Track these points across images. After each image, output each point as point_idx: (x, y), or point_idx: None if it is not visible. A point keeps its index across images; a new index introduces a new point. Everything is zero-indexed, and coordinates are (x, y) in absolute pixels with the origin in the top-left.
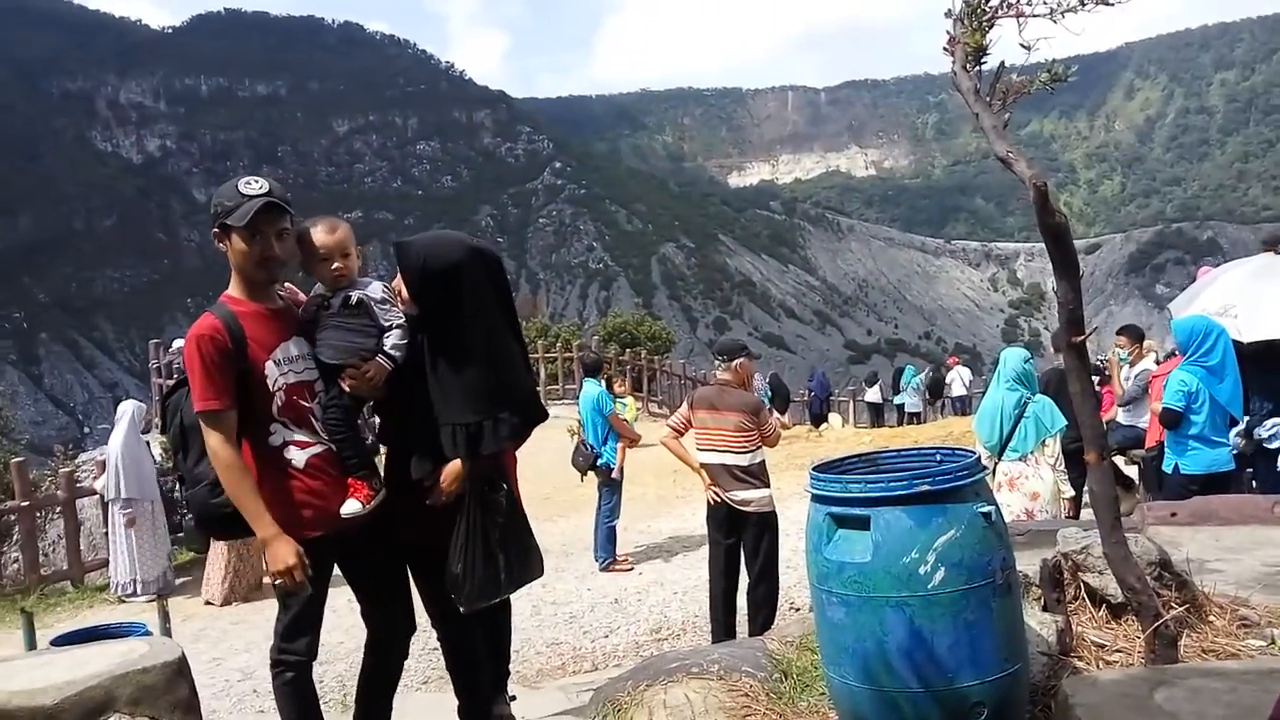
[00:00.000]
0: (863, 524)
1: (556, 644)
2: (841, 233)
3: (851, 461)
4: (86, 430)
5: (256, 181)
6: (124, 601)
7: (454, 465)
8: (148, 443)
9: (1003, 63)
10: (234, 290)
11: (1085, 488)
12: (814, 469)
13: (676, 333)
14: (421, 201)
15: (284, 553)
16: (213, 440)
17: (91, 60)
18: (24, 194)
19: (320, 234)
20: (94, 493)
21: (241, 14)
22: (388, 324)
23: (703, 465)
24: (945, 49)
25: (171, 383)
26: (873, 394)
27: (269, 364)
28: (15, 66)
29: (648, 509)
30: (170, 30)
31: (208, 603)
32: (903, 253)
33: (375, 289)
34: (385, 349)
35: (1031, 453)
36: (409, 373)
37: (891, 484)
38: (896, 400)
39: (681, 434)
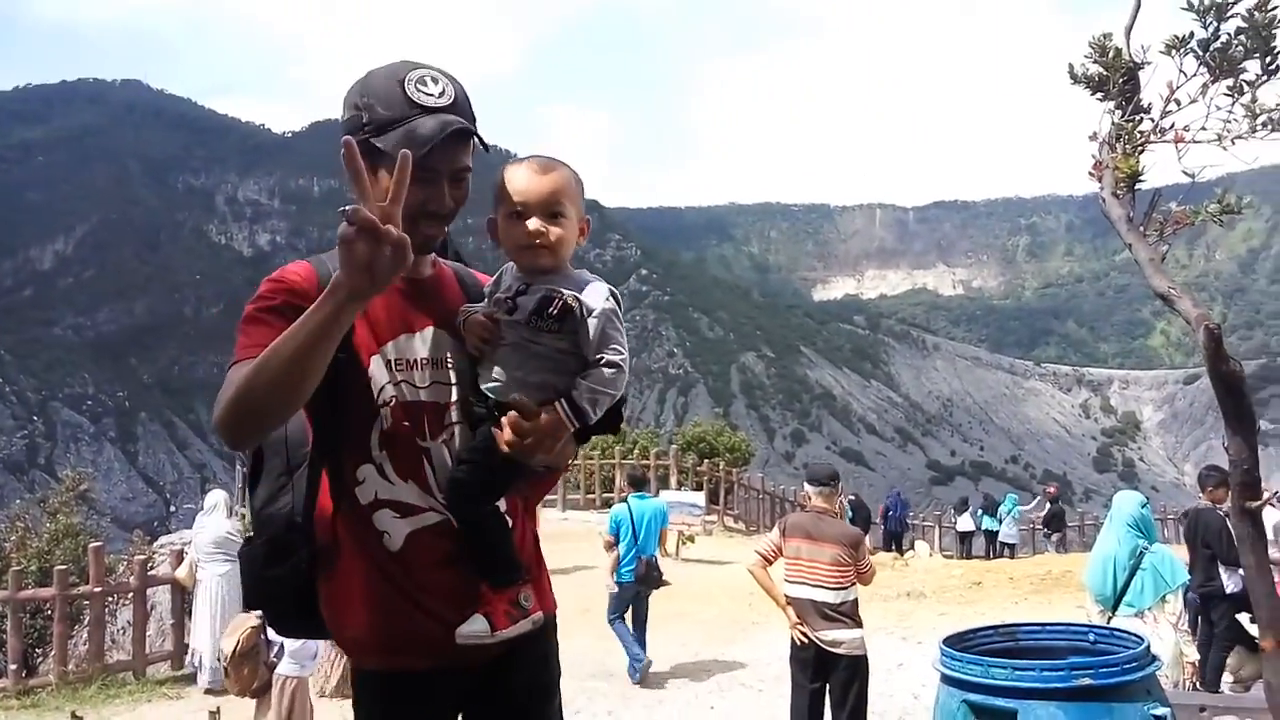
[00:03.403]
0: (1008, 718)
1: None
2: (927, 350)
3: (986, 634)
4: (172, 509)
5: (436, 80)
6: (181, 698)
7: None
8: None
9: (1158, 191)
10: None
11: (1209, 651)
12: (945, 643)
13: (754, 443)
14: None
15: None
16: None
17: (215, 159)
18: (142, 281)
19: (520, 173)
20: (167, 581)
21: None
22: (599, 358)
23: (789, 600)
24: (1091, 173)
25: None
26: (963, 522)
27: (375, 360)
28: (147, 163)
29: (720, 633)
30: (290, 135)
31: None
32: (990, 373)
33: (597, 293)
34: (578, 398)
35: (1150, 609)
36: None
37: (1046, 673)
38: (986, 525)
39: (771, 562)
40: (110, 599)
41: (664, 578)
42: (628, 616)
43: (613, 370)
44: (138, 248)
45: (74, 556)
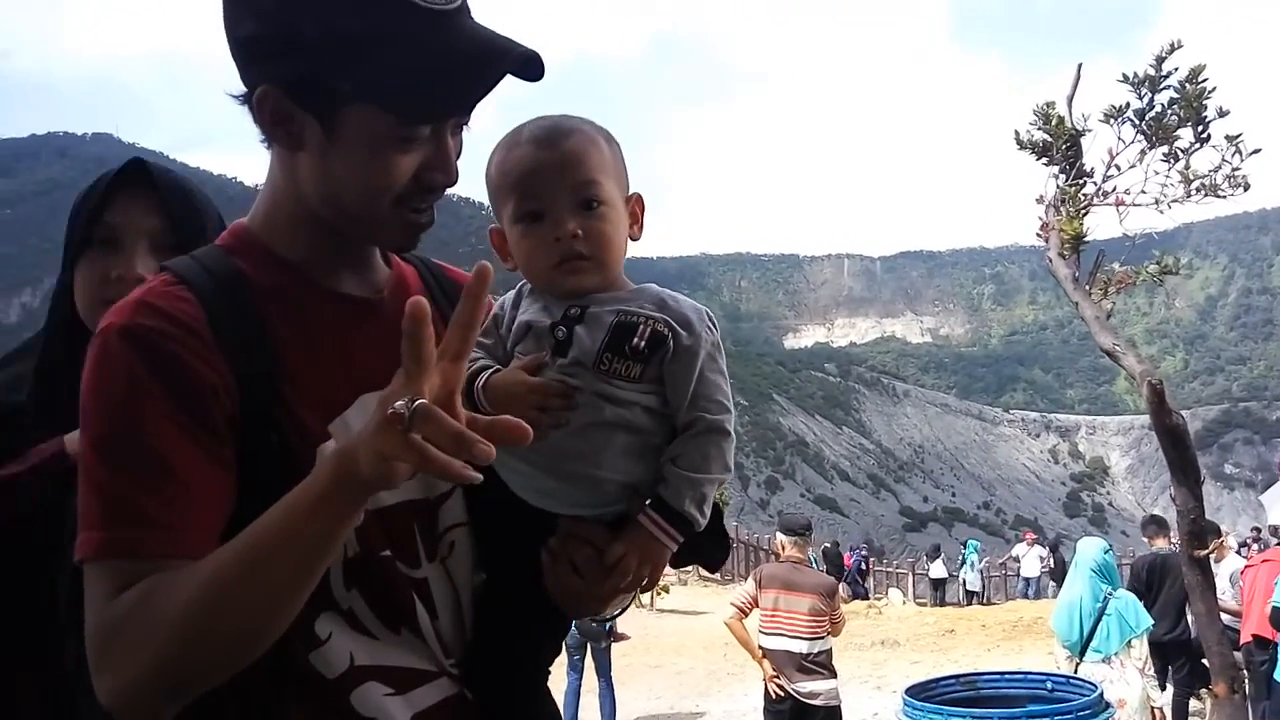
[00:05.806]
0: None
1: None
2: (897, 397)
3: (948, 684)
4: None
5: None
6: None
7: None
8: None
9: (1102, 252)
10: (262, 224)
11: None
12: (907, 693)
13: (728, 491)
14: None
15: (375, 446)
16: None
17: None
18: None
19: (520, 155)
20: None
21: None
22: (694, 419)
23: (766, 652)
24: (1039, 235)
25: None
26: (936, 569)
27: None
28: None
29: (696, 685)
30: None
31: None
32: (960, 420)
33: (689, 317)
34: (672, 497)
35: (1116, 654)
36: None
37: None
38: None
39: (747, 614)
40: None
41: (615, 630)
42: (590, 670)
43: (717, 439)
44: None
45: None
